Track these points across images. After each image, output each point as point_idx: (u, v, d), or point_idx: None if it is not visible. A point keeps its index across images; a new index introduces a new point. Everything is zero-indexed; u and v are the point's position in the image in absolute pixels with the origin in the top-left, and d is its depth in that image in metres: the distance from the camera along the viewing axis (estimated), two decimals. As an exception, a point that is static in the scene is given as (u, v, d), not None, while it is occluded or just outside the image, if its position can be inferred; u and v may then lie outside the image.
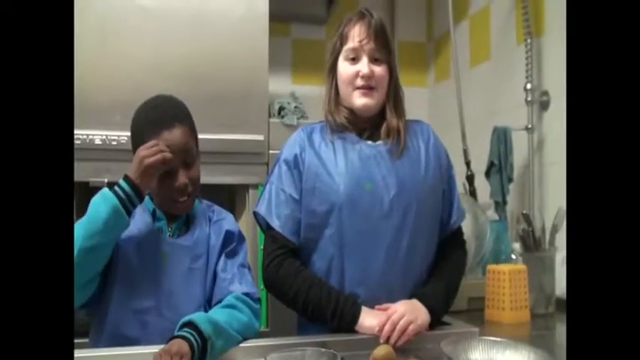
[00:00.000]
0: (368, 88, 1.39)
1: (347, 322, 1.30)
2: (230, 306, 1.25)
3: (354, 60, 1.40)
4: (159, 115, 1.27)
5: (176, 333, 1.10)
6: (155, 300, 1.26)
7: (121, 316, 1.24)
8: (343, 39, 1.41)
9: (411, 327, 1.24)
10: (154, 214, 1.32)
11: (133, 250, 1.27)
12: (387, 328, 1.23)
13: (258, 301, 1.32)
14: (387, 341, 1.22)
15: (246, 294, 1.29)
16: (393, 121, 1.41)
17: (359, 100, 1.40)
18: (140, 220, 1.30)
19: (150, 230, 1.29)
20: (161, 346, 1.07)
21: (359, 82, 1.39)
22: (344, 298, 1.31)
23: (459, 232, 1.52)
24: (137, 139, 1.27)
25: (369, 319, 1.29)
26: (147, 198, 1.34)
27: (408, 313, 1.26)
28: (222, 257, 1.34)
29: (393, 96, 1.43)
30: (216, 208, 1.42)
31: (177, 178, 1.27)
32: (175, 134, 1.25)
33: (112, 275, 1.25)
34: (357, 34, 1.39)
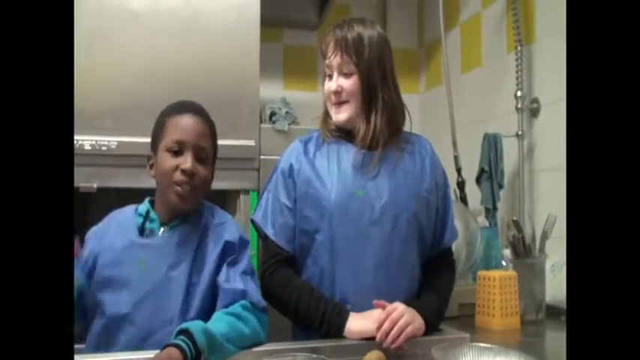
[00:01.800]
0: (338, 104, 1.41)
1: (334, 331, 1.30)
2: (235, 315, 1.21)
3: (331, 76, 1.42)
4: (183, 102, 1.33)
5: (171, 340, 1.08)
6: (126, 308, 1.22)
7: (99, 324, 1.23)
8: (323, 54, 1.44)
9: (409, 328, 1.23)
10: (146, 216, 1.30)
11: (110, 258, 1.26)
12: (386, 325, 1.22)
13: (264, 310, 1.29)
14: (384, 338, 1.21)
15: (252, 303, 1.26)
16: (365, 131, 1.39)
17: (334, 116, 1.43)
18: (121, 225, 1.29)
19: (128, 237, 1.27)
20: (150, 353, 1.06)
21: (333, 98, 1.41)
22: (331, 307, 1.31)
23: (450, 251, 1.54)
24: (155, 128, 1.31)
25: (355, 323, 1.29)
26: (146, 202, 1.33)
27: (407, 313, 1.25)
28: (224, 268, 1.28)
29: (369, 105, 1.39)
30: (217, 209, 1.38)
31: (187, 160, 1.25)
32: (189, 120, 1.28)
33: (94, 284, 1.25)
34: (327, 50, 1.41)
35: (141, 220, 1.30)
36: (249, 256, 1.35)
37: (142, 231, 1.30)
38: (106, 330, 1.22)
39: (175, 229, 1.30)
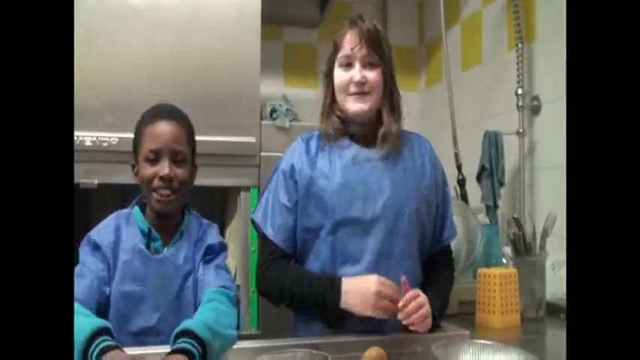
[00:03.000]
0: (361, 94, 1.39)
1: (331, 309, 1.32)
2: (210, 300, 1.24)
3: (349, 66, 1.39)
4: (156, 108, 1.35)
5: (175, 345, 1.06)
6: (152, 321, 1.28)
7: (123, 336, 1.23)
8: (337, 47, 1.42)
9: (428, 319, 1.28)
10: (149, 235, 1.32)
11: (127, 275, 1.28)
12: (411, 306, 1.26)
13: (234, 291, 1.34)
14: (407, 317, 1.25)
15: (222, 287, 1.29)
16: (389, 125, 1.41)
17: (353, 106, 1.40)
18: (131, 243, 1.30)
19: (142, 253, 1.30)
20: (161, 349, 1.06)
21: (352, 88, 1.39)
22: (323, 284, 1.33)
23: (449, 249, 1.54)
24: (134, 137, 1.34)
25: (349, 302, 1.30)
26: (141, 215, 1.34)
27: (427, 304, 1.29)
28: (201, 264, 1.34)
29: (389, 100, 1.42)
30: (204, 221, 1.42)
31: (164, 167, 1.28)
32: (163, 127, 1.30)
33: (113, 297, 1.27)
34: (349, 42, 1.39)
35: (145, 240, 1.32)
36: (224, 257, 1.40)
37: (147, 249, 1.32)
38: (134, 342, 1.24)
39: (177, 242, 1.34)
